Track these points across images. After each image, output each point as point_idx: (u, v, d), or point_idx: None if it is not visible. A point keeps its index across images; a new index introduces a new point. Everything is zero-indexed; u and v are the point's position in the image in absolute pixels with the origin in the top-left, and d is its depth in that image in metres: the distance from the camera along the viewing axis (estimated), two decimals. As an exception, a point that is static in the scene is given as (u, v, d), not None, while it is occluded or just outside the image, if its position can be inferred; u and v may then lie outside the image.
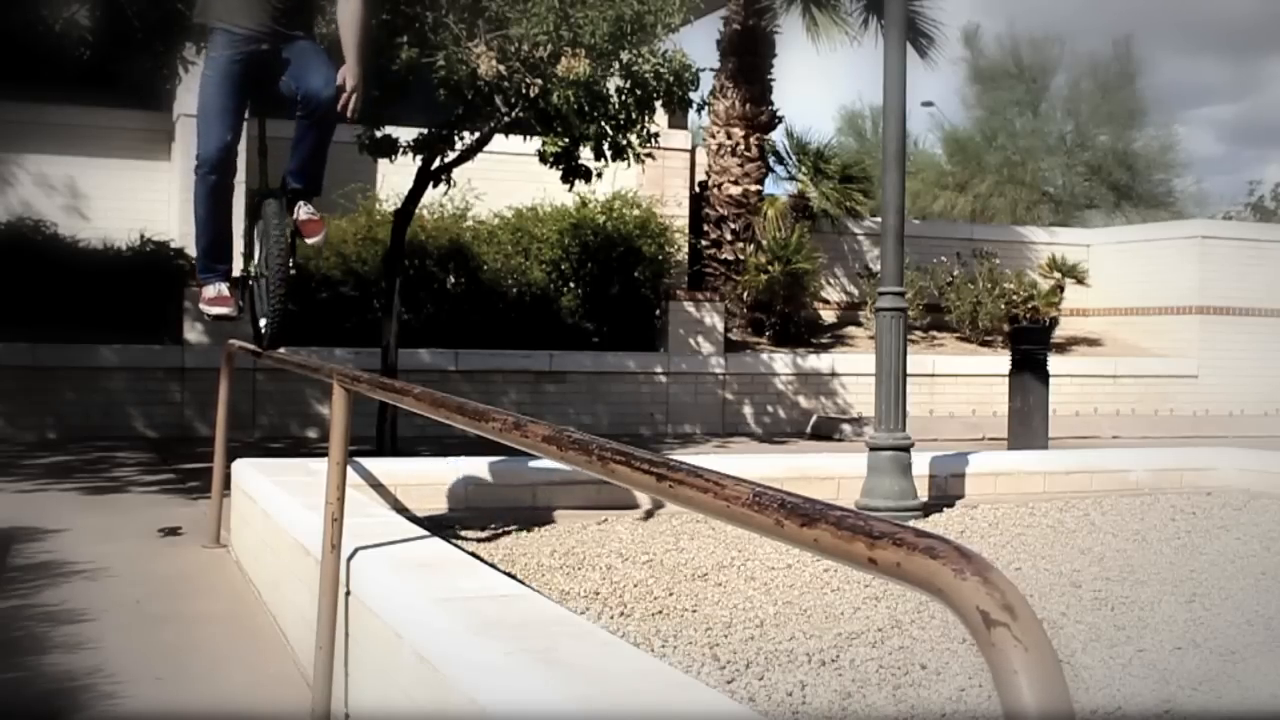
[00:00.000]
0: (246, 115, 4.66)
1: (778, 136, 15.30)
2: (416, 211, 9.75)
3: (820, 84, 23.47)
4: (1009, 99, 27.47)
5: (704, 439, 12.27)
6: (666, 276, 13.53)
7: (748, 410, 13.32)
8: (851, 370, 13.51)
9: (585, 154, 8.77)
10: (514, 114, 8.07)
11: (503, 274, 12.48)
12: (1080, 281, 15.84)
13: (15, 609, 4.01)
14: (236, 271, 4.86)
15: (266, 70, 4.42)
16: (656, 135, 8.94)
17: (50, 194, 12.85)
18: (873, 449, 6.10)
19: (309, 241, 4.71)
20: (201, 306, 4.72)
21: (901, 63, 6.27)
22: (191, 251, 11.58)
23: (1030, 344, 9.53)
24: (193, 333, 11.15)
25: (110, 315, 10.86)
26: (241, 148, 4.58)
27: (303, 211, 4.62)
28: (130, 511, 6.38)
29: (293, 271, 4.55)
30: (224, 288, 4.65)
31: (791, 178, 15.56)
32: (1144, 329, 16.29)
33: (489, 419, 2.15)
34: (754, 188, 14.80)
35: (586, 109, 7.85)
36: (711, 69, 14.53)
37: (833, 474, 6.27)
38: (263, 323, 4.70)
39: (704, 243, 14.83)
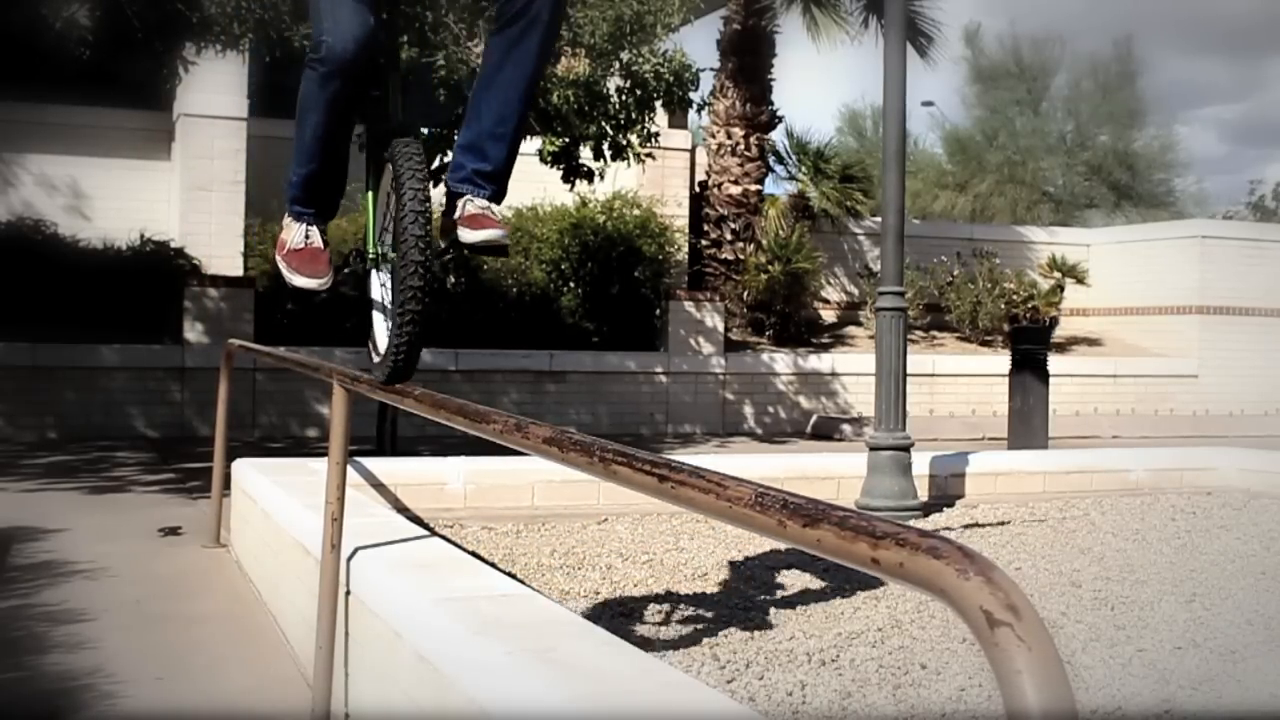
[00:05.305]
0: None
1: (778, 136, 15.33)
2: (416, 211, 9.74)
3: (820, 84, 23.47)
4: (1009, 99, 27.45)
5: (704, 439, 12.27)
6: (666, 276, 13.53)
7: (748, 410, 13.31)
8: (851, 370, 13.51)
9: (585, 154, 8.78)
10: (514, 114, 8.07)
11: (503, 274, 12.49)
12: (1080, 281, 15.84)
13: (15, 609, 4.01)
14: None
15: None
16: (656, 135, 8.96)
17: (51, 194, 12.85)
18: (873, 449, 6.10)
19: (470, 237, 2.73)
20: (278, 259, 3.04)
21: (901, 63, 6.27)
22: (191, 251, 11.88)
23: (1030, 344, 9.54)
24: (193, 333, 11.15)
25: (110, 315, 10.85)
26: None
27: (473, 205, 2.79)
28: (130, 511, 6.38)
29: (443, 257, 2.91)
30: (316, 234, 3.04)
31: (791, 177, 15.57)
32: (1144, 329, 16.29)
33: (490, 420, 2.15)
34: (754, 187, 14.80)
35: (586, 109, 7.87)
36: (711, 69, 14.54)
37: (833, 474, 6.27)
38: (382, 340, 2.94)
39: (704, 242, 14.83)
